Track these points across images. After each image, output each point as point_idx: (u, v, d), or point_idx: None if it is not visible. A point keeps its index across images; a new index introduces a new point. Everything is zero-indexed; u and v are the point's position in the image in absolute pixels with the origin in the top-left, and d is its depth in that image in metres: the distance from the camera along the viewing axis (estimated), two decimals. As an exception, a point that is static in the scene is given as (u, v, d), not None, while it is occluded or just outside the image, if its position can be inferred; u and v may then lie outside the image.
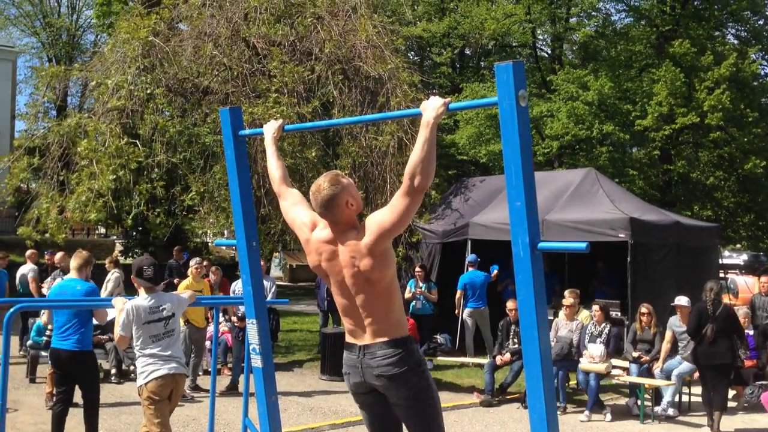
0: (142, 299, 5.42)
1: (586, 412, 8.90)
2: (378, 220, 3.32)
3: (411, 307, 12.11)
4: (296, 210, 3.68)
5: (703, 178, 23.71)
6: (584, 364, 9.22)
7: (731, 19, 25.03)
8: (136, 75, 12.41)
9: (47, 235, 12.34)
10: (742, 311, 10.38)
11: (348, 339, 3.52)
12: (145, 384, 5.30)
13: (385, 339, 3.38)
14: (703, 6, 24.28)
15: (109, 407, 8.47)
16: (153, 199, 12.16)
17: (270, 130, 4.04)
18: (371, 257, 3.32)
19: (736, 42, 25.20)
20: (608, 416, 8.92)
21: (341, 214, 3.38)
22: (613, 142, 22.49)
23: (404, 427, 3.55)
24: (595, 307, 9.67)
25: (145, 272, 5.49)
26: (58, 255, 11.54)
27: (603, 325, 9.50)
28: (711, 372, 8.34)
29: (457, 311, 12.32)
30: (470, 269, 12.30)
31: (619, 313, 11.73)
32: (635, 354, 9.53)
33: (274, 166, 3.94)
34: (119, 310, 5.42)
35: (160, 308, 5.43)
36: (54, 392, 8.54)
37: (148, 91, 12.30)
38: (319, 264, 3.51)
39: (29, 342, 10.47)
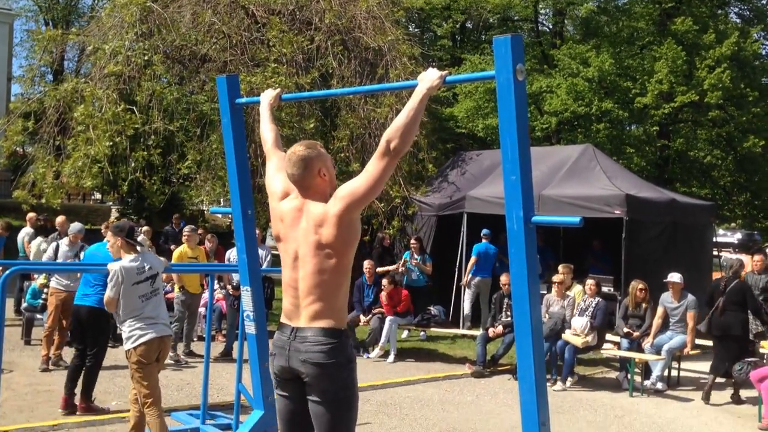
0: (129, 260, 5.47)
1: (559, 383, 9.04)
2: (351, 187, 3.21)
3: (405, 279, 12.18)
4: (274, 177, 3.58)
5: (701, 157, 23.71)
6: (566, 335, 9.36)
7: (735, -3, 24.88)
8: (133, 41, 12.34)
9: (43, 199, 12.34)
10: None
11: (283, 319, 3.36)
12: (134, 348, 5.37)
13: (322, 326, 3.19)
14: (706, -17, 24.10)
15: (104, 370, 8.54)
16: (149, 166, 12.14)
17: (267, 97, 4.02)
18: (337, 227, 3.18)
19: (738, 21, 25.04)
20: (568, 383, 9.14)
21: (312, 180, 3.27)
22: (612, 119, 22.42)
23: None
24: (591, 282, 9.76)
25: (136, 233, 5.69)
26: (59, 219, 11.55)
27: (591, 299, 9.58)
28: (722, 342, 8.88)
29: (465, 279, 12.39)
30: (484, 241, 12.41)
31: (611, 289, 11.81)
32: (626, 329, 9.63)
33: (267, 129, 3.87)
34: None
35: (146, 268, 5.52)
36: (49, 354, 8.64)
37: (146, 58, 12.24)
38: (278, 233, 3.40)
39: (24, 305, 10.53)
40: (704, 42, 21.64)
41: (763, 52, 24.84)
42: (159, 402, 5.49)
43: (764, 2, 25.08)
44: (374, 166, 3.19)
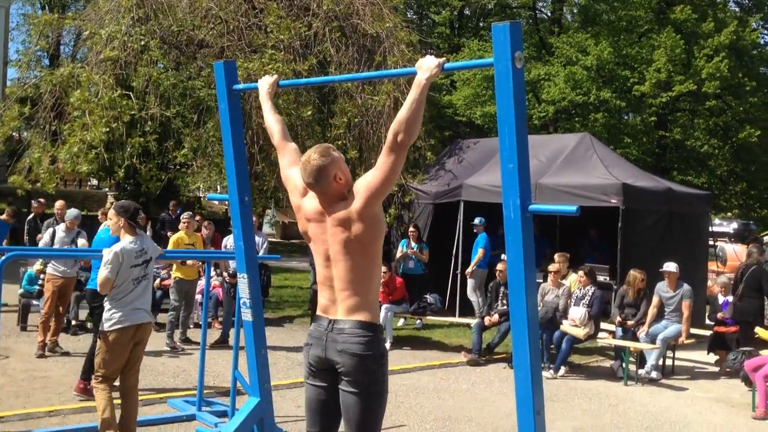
0: (129, 242, 5.45)
1: (551, 370, 9.07)
2: (366, 182, 3.27)
3: (402, 267, 12.18)
4: (291, 171, 3.62)
5: (698, 146, 23.72)
6: (565, 326, 9.35)
7: (734, -14, 24.82)
8: (130, 26, 12.26)
9: (38, 184, 12.30)
10: (722, 280, 10.51)
11: (319, 312, 3.42)
12: (108, 331, 5.39)
13: (360, 318, 3.28)
14: (706, -29, 24.03)
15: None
16: (145, 152, 12.10)
17: (265, 85, 4.00)
18: (362, 222, 3.25)
19: (737, 10, 24.99)
20: (561, 371, 9.15)
21: (329, 186, 3.32)
22: (610, 108, 22.41)
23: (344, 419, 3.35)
24: (580, 273, 9.75)
25: (139, 215, 5.64)
26: (58, 203, 11.52)
27: (587, 288, 9.59)
28: (741, 327, 9.25)
29: (469, 270, 12.30)
30: (480, 231, 12.35)
31: (607, 278, 11.83)
32: (619, 318, 9.65)
33: (272, 121, 3.86)
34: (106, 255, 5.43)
35: (143, 251, 5.52)
36: (45, 341, 8.63)
37: (142, 43, 12.16)
38: (306, 231, 3.48)
39: (20, 290, 10.52)
40: (703, 31, 21.62)
41: (762, 42, 24.82)
42: (110, 382, 5.49)
43: (763, -9, 25.03)
44: (384, 160, 3.22)
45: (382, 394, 3.31)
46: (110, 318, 5.39)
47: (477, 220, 12.34)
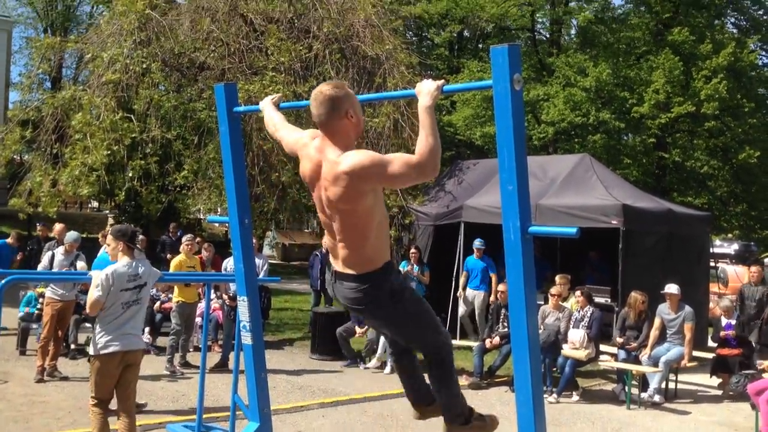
0: (122, 265, 5.44)
1: (554, 395, 9.00)
2: (365, 155, 3.11)
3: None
4: (293, 133, 3.56)
5: (698, 167, 23.77)
6: (566, 350, 9.29)
7: (731, 7, 24.96)
8: (132, 48, 12.34)
9: (39, 208, 12.31)
10: (724, 303, 10.45)
11: (330, 256, 3.41)
12: (96, 356, 5.36)
13: (352, 272, 3.25)
14: (703, -7, 24.20)
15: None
16: (146, 174, 12.12)
17: (267, 100, 4.01)
18: (341, 187, 3.10)
19: (735, 31, 25.14)
20: (574, 397, 9.07)
21: (338, 122, 3.16)
22: (609, 129, 22.48)
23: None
24: (577, 294, 9.71)
25: (137, 238, 5.64)
26: (58, 227, 11.50)
27: (586, 309, 9.54)
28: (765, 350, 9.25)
29: (460, 292, 12.31)
30: (476, 255, 12.32)
31: (609, 300, 11.78)
32: (620, 339, 9.59)
33: (273, 115, 3.80)
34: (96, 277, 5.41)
35: (137, 276, 5.50)
36: (44, 365, 8.58)
37: (144, 65, 12.23)
38: (305, 173, 3.37)
39: (20, 313, 10.47)
40: (701, 52, 21.72)
41: (760, 63, 24.93)
42: (104, 405, 5.46)
43: (761, 12, 25.17)
44: (400, 165, 3.09)
45: (407, 316, 3.35)
46: (97, 342, 5.38)
47: (477, 242, 12.32)
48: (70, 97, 12.52)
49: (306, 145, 3.38)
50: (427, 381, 3.65)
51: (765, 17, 25.21)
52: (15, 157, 17.05)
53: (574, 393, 9.16)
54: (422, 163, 3.08)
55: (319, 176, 3.25)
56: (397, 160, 3.10)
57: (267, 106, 3.93)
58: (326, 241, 3.43)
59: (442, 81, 3.26)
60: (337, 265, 3.34)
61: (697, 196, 23.96)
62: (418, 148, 3.09)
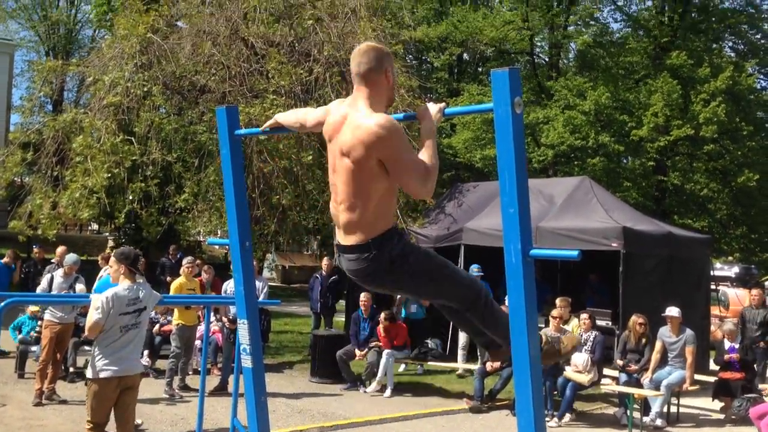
0: (123, 289, 5.42)
1: (555, 418, 8.92)
2: (395, 131, 3.10)
3: (404, 312, 12.12)
4: (321, 108, 3.61)
5: (697, 190, 23.80)
6: (568, 372, 9.24)
7: (729, 32, 25.13)
8: (133, 72, 12.41)
9: (39, 230, 12.30)
10: (728, 326, 10.41)
11: (335, 229, 3.42)
12: (92, 379, 5.34)
13: (352, 243, 3.24)
14: (701, 18, 24.38)
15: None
16: (146, 197, 12.14)
17: (277, 116, 4.02)
18: (358, 139, 3.11)
19: (733, 55, 25.30)
20: (566, 418, 9.00)
21: (377, 77, 3.19)
22: (608, 152, 22.54)
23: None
24: (584, 316, 9.69)
25: (139, 261, 5.63)
26: (59, 249, 11.48)
27: (589, 333, 9.51)
28: None
29: None
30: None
31: (609, 323, 11.74)
32: (620, 362, 9.55)
33: (289, 115, 3.85)
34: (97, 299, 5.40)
35: (137, 300, 5.48)
36: (42, 389, 8.53)
37: (145, 88, 12.30)
38: (327, 125, 3.35)
39: (20, 336, 10.43)
40: (699, 76, 21.83)
41: (758, 86, 25.05)
42: (100, 429, 5.42)
43: (758, 37, 25.34)
44: (412, 162, 3.11)
45: (413, 278, 3.29)
46: (94, 365, 5.35)
47: (474, 268, 12.26)
48: (71, 119, 12.56)
49: (336, 106, 3.41)
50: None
51: (762, 41, 25.39)
52: (15, 179, 17.08)
53: (567, 414, 9.09)
54: (429, 176, 3.13)
55: (341, 127, 3.24)
56: (416, 157, 3.15)
57: (279, 117, 3.95)
58: (332, 208, 3.38)
59: (444, 104, 3.29)
60: (340, 237, 3.32)
61: (697, 218, 23.96)
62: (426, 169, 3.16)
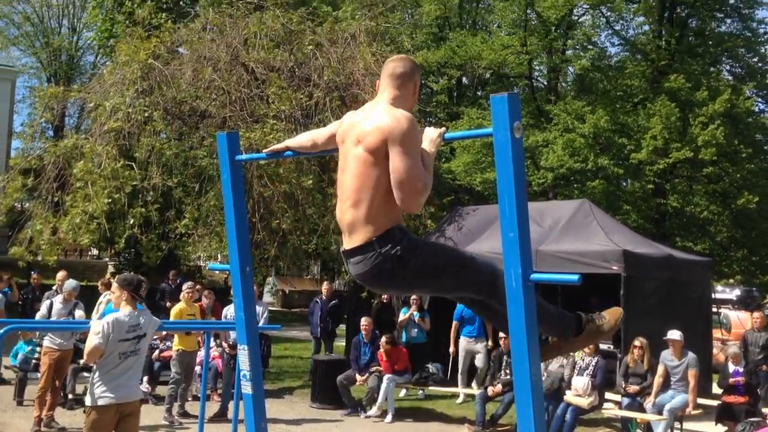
0: (124, 315, 5.40)
1: None
2: (409, 133, 3.12)
3: (405, 335, 12.06)
4: (325, 128, 3.70)
5: (697, 213, 23.82)
6: (569, 396, 9.19)
7: (726, 55, 25.30)
8: (134, 97, 12.48)
9: (39, 256, 12.29)
10: (733, 349, 10.36)
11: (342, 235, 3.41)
12: (91, 407, 5.30)
13: (357, 244, 3.21)
14: (698, 42, 24.57)
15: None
16: (147, 222, 12.15)
17: (285, 142, 4.07)
18: (378, 128, 3.14)
19: (730, 78, 25.44)
20: None
21: (407, 82, 3.30)
22: (608, 175, 22.60)
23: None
24: (587, 341, 9.62)
25: (142, 289, 5.60)
26: (60, 274, 11.45)
27: (590, 357, 9.47)
28: None
29: (452, 347, 12.10)
30: None
31: (611, 346, 11.68)
32: (626, 387, 9.49)
33: (297, 139, 3.91)
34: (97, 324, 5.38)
35: (137, 326, 5.45)
36: (41, 416, 8.47)
37: (146, 114, 12.36)
38: (343, 128, 3.40)
39: (17, 363, 10.37)
40: (697, 99, 21.94)
41: (756, 109, 25.16)
42: None
43: (756, 60, 25.51)
44: (411, 166, 3.10)
45: (424, 274, 3.21)
46: (93, 393, 5.32)
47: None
48: (72, 145, 12.61)
49: (350, 115, 3.48)
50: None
51: (760, 65, 25.55)
52: (16, 205, 17.11)
53: None
54: (423, 190, 3.11)
55: (358, 123, 3.29)
56: (421, 166, 3.13)
57: (289, 142, 4.00)
58: (338, 213, 3.36)
59: (444, 129, 3.30)
60: (345, 243, 3.30)
61: (698, 241, 23.95)
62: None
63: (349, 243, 3.27)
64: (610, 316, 3.46)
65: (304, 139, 3.86)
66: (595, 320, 3.44)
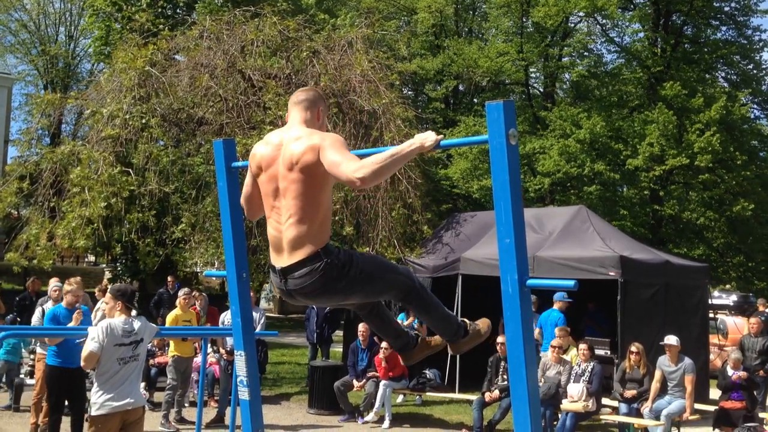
0: (119, 321, 5.41)
1: None
2: (335, 139, 3.36)
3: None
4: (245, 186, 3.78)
5: (693, 219, 23.86)
6: (565, 404, 9.19)
7: (721, 62, 25.39)
8: (131, 104, 12.49)
9: (35, 261, 12.28)
10: (735, 354, 10.36)
11: (272, 259, 3.52)
12: (95, 416, 5.28)
13: (300, 258, 3.37)
14: (693, 49, 24.66)
15: None
16: (143, 228, 12.14)
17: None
18: (308, 147, 3.33)
19: (726, 85, 25.53)
20: None
21: (311, 113, 3.55)
22: (604, 181, 22.64)
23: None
24: (583, 346, 9.65)
25: (135, 297, 5.69)
26: (53, 281, 11.41)
27: (586, 363, 9.47)
28: None
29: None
30: None
31: (608, 352, 11.69)
32: (622, 392, 9.50)
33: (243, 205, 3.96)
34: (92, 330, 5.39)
35: (133, 332, 5.46)
36: (44, 421, 8.44)
37: (143, 121, 12.37)
38: (262, 156, 3.52)
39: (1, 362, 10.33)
40: (693, 106, 22.01)
41: (751, 116, 25.24)
42: None
43: (751, 67, 25.60)
44: (338, 163, 3.23)
45: (364, 276, 3.41)
46: (95, 402, 5.31)
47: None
48: (69, 152, 12.61)
49: (259, 146, 3.63)
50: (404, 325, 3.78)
51: (755, 72, 25.63)
52: (12, 211, 17.08)
53: None
54: (363, 166, 3.16)
55: (278, 150, 3.46)
56: (351, 155, 3.30)
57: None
58: (270, 234, 3.49)
59: (441, 135, 3.32)
60: (282, 260, 3.43)
61: (694, 247, 23.99)
62: (372, 160, 3.17)
63: (291, 258, 3.41)
64: (482, 323, 3.82)
65: (244, 205, 3.89)
66: (477, 324, 3.81)
